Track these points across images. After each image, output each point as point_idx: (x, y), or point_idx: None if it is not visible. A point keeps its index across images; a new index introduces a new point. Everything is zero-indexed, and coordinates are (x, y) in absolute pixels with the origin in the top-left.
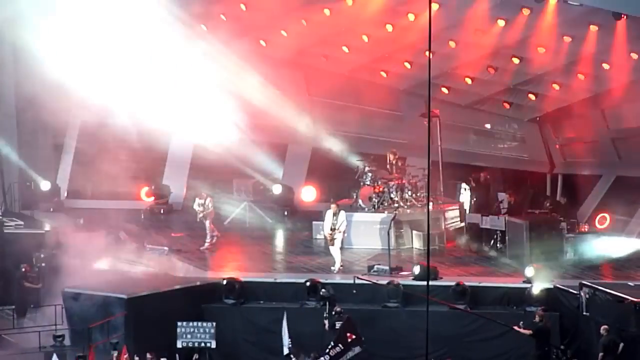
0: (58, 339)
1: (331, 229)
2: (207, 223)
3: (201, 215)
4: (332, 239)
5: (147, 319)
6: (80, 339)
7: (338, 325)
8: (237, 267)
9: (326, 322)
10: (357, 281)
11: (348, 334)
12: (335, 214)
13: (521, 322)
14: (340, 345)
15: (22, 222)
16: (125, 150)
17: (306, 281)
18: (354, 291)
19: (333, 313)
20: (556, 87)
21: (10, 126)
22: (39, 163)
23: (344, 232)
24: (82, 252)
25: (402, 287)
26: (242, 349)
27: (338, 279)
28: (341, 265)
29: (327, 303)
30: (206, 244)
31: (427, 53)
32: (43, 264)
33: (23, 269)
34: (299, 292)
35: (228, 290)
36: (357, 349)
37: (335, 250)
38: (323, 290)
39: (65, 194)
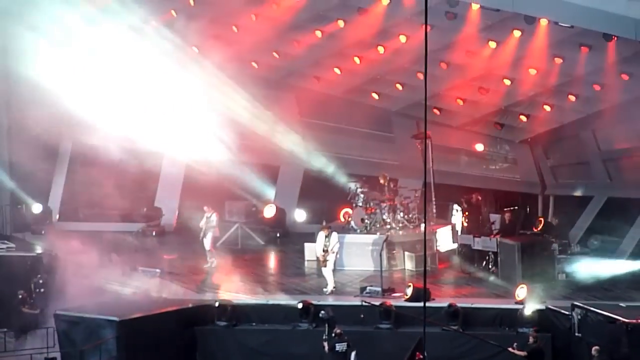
0: None
1: (323, 251)
2: (208, 241)
3: (204, 229)
4: (325, 261)
5: (139, 342)
6: None
7: (338, 347)
8: (229, 289)
9: (326, 344)
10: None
11: (417, 353)
12: (327, 236)
13: (515, 344)
14: None
15: (13, 245)
16: (117, 173)
17: (298, 303)
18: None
19: (333, 335)
20: (547, 108)
21: (1, 148)
22: (30, 185)
23: (336, 254)
24: (74, 275)
25: (395, 309)
26: None
27: (331, 301)
28: (334, 287)
29: (327, 325)
30: (208, 264)
31: (419, 75)
32: (42, 290)
33: (20, 296)
34: (291, 313)
35: (220, 313)
36: None
37: (327, 272)
38: (322, 312)
39: (57, 217)
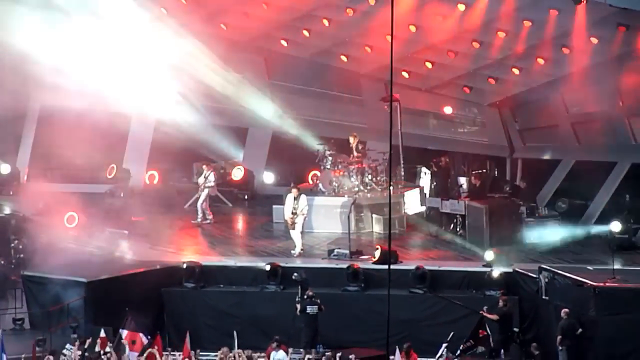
0: (18, 322)
1: (292, 213)
2: (201, 199)
3: (202, 187)
4: (293, 223)
5: (106, 303)
6: (40, 322)
7: (310, 309)
8: (197, 251)
9: (298, 306)
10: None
11: (480, 331)
12: (296, 198)
13: (485, 307)
14: (471, 340)
15: None
16: (85, 134)
17: (266, 265)
18: None
19: (305, 297)
20: (516, 71)
21: None
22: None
23: (304, 217)
24: (42, 236)
25: (362, 271)
26: (202, 333)
27: (299, 263)
28: (302, 249)
29: (300, 287)
30: (198, 219)
31: (388, 37)
32: (21, 255)
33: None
34: (260, 275)
35: (188, 274)
36: (482, 348)
37: (295, 234)
38: (295, 274)
39: (25, 178)
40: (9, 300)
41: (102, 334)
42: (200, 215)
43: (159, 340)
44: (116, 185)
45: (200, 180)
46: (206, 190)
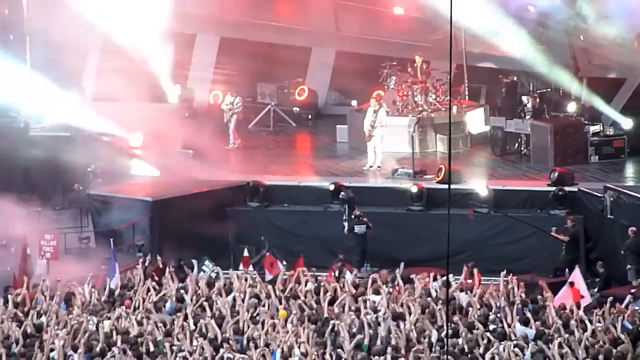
0: (84, 241)
1: (371, 126)
2: (232, 125)
3: (229, 114)
4: (370, 136)
5: (171, 222)
6: (105, 241)
7: (357, 228)
8: (261, 171)
9: (345, 225)
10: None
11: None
12: (376, 111)
13: (554, 228)
14: None
15: (47, 125)
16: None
17: (330, 184)
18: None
19: (352, 216)
20: None
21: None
22: (63, 69)
23: (383, 130)
24: (107, 155)
25: (426, 190)
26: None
27: (362, 183)
28: (371, 166)
29: (347, 206)
30: (230, 145)
31: None
32: (99, 179)
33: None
34: (323, 195)
35: (252, 193)
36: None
37: (370, 148)
38: (342, 193)
39: (91, 97)
40: (74, 219)
41: (246, 252)
42: (231, 140)
43: (301, 262)
44: (181, 104)
45: (225, 107)
46: (235, 116)
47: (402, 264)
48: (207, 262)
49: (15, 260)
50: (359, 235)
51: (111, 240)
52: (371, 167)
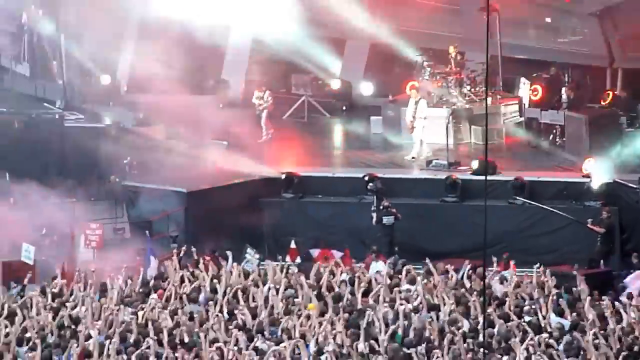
0: (118, 232)
1: (412, 117)
2: (264, 117)
3: (260, 108)
4: (412, 127)
5: (206, 213)
6: (140, 232)
7: (386, 219)
8: (295, 162)
9: (374, 215)
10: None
11: None
12: (417, 102)
13: (590, 219)
14: None
15: (82, 116)
16: (184, 45)
17: (364, 176)
18: None
19: (381, 207)
20: None
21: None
22: (99, 57)
23: (424, 121)
24: (142, 147)
25: (460, 182)
26: (300, 243)
27: (395, 174)
28: (413, 157)
29: (375, 197)
30: (263, 137)
31: None
32: (136, 172)
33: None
34: (357, 186)
35: (287, 185)
36: None
37: (416, 139)
38: (370, 184)
39: (125, 89)
40: (109, 210)
41: (293, 244)
42: (264, 133)
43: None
44: (215, 95)
45: (256, 100)
46: (265, 110)
47: (427, 260)
48: (249, 250)
49: (54, 250)
50: (387, 227)
51: (147, 231)
52: (414, 158)
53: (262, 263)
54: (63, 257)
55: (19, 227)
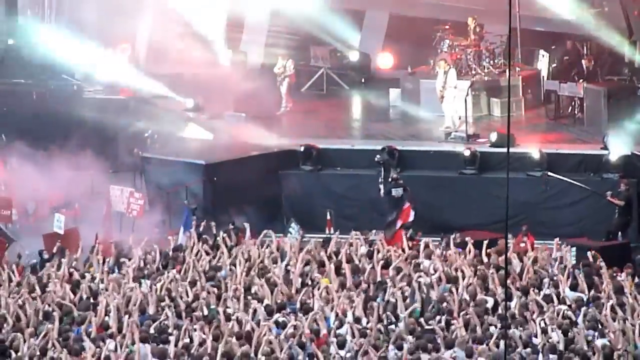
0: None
1: (442, 87)
2: (284, 88)
3: (281, 77)
4: (442, 97)
5: (224, 185)
6: (158, 204)
7: (394, 192)
8: (314, 134)
9: (381, 187)
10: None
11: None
12: (446, 72)
13: (609, 192)
14: None
15: (100, 88)
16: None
17: (383, 148)
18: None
19: (389, 179)
20: None
21: None
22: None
23: (455, 91)
24: (160, 119)
25: (479, 154)
26: (319, 216)
27: (414, 147)
28: (448, 127)
29: (383, 168)
30: (282, 109)
31: None
32: (157, 145)
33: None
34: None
35: (305, 157)
36: None
37: (447, 110)
38: (378, 155)
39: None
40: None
41: (328, 216)
42: (283, 104)
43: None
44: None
45: (277, 70)
46: (287, 79)
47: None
48: (293, 225)
49: (74, 222)
50: (396, 199)
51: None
52: (448, 127)
53: (304, 237)
54: (86, 227)
55: (42, 195)
